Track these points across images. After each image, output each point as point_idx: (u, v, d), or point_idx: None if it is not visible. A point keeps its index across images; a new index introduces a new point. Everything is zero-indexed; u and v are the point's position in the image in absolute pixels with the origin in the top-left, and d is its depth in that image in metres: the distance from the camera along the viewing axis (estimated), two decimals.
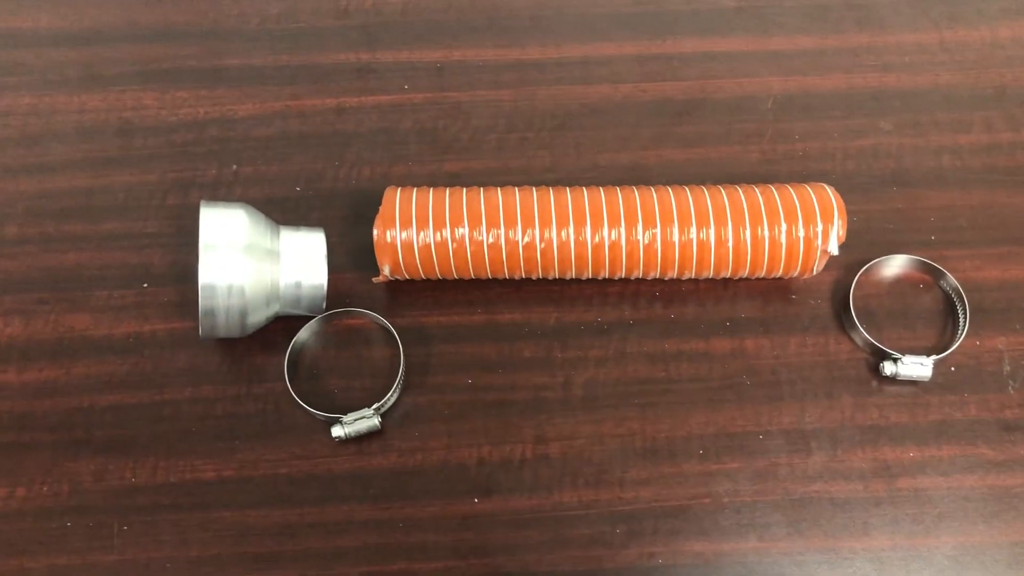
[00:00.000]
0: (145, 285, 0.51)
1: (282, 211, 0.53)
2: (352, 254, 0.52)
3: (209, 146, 0.55)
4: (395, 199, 0.47)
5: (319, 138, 0.56)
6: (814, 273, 0.48)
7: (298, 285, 0.47)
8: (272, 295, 0.46)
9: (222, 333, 0.46)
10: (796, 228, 0.46)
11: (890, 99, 0.57)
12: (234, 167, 0.55)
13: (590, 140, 0.56)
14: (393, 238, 0.46)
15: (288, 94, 0.57)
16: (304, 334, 0.50)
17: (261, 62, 0.58)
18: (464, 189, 0.48)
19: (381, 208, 0.47)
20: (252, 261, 0.45)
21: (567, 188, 0.48)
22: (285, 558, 0.45)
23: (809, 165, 0.55)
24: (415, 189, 0.48)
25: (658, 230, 0.46)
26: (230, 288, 0.44)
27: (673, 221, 0.46)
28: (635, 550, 0.46)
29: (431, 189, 0.48)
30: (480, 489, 0.47)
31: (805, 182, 0.53)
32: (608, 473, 0.47)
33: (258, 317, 0.46)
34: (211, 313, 0.45)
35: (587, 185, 0.53)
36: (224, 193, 0.54)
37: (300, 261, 0.47)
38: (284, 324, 0.49)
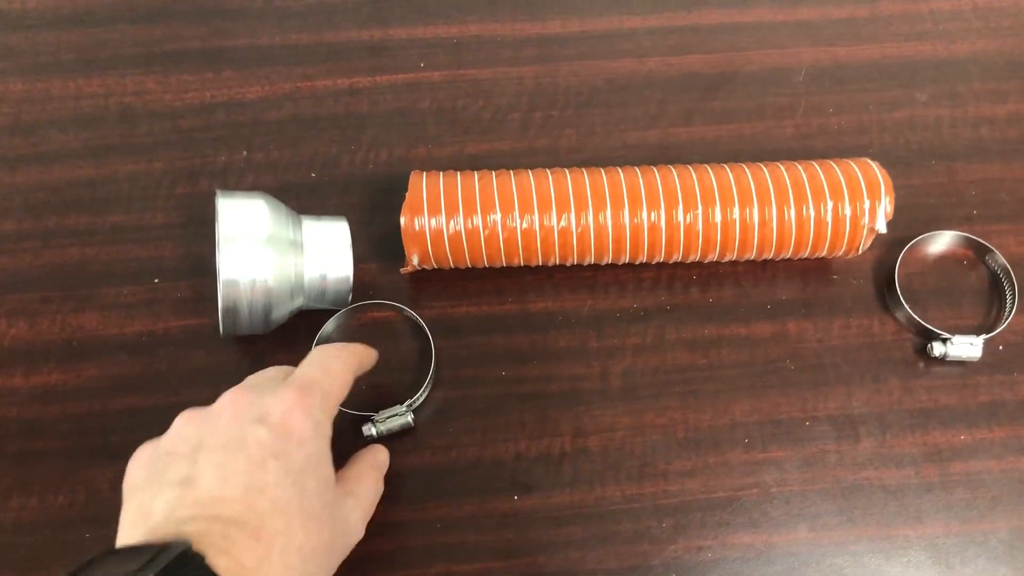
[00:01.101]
0: (156, 280, 0.49)
1: (298, 199, 0.50)
2: (374, 243, 0.50)
3: (217, 131, 0.52)
4: (421, 184, 0.45)
5: (333, 121, 0.53)
6: (859, 252, 0.46)
7: (323, 278, 0.45)
8: (296, 289, 0.44)
9: (244, 330, 0.44)
10: (842, 206, 0.44)
11: (925, 69, 0.55)
12: (244, 153, 0.52)
13: (617, 118, 0.53)
14: (422, 226, 0.44)
15: (298, 75, 0.54)
16: (329, 328, 0.47)
17: (268, 42, 0.55)
18: (493, 172, 0.46)
19: (408, 194, 0.44)
20: (275, 254, 0.42)
21: (601, 169, 0.46)
22: None
23: (845, 139, 0.53)
24: (441, 173, 0.46)
25: (699, 211, 0.44)
26: (253, 283, 0.42)
27: (715, 201, 0.44)
28: (682, 544, 0.44)
29: (458, 173, 0.46)
30: (519, 486, 0.45)
31: (845, 157, 0.51)
32: (651, 465, 0.45)
33: (281, 312, 0.44)
34: (233, 310, 0.42)
35: (617, 165, 0.51)
36: (235, 181, 0.51)
37: (324, 252, 0.45)
38: (307, 319, 0.47)
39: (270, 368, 0.41)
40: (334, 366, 0.40)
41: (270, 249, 0.42)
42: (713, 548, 0.44)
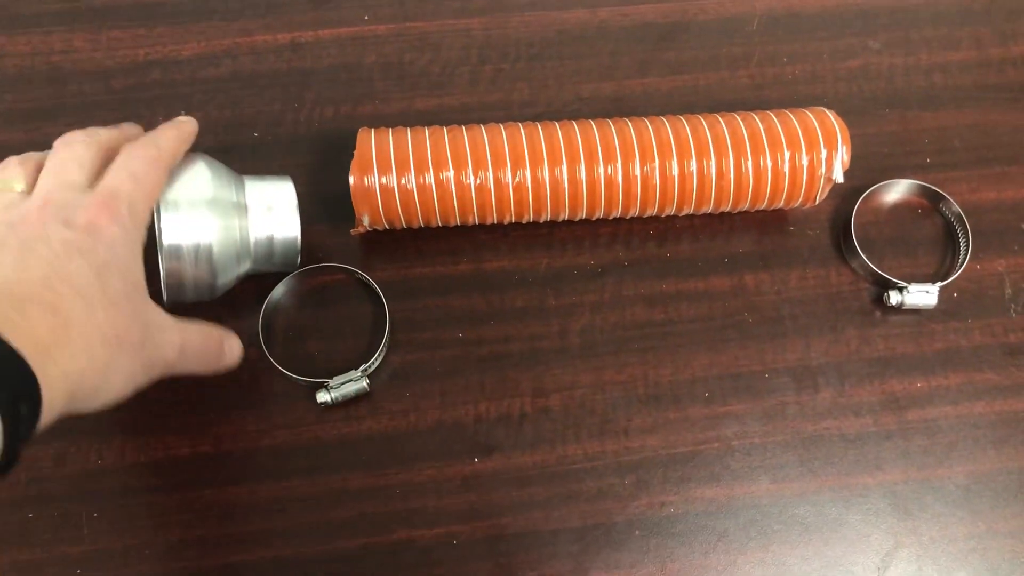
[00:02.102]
0: None
1: (240, 160, 0.48)
2: (322, 204, 0.48)
3: (153, 91, 0.50)
4: (370, 141, 0.43)
5: (274, 78, 0.51)
6: (816, 203, 0.46)
7: (270, 240, 0.43)
8: (243, 252, 0.42)
9: (190, 298, 0.42)
10: (799, 156, 0.44)
11: (878, 16, 0.55)
12: (183, 113, 0.49)
13: (570, 70, 0.52)
14: (372, 184, 0.42)
15: (236, 30, 0.52)
16: (277, 293, 0.46)
17: None
18: (445, 128, 0.44)
19: (356, 152, 0.43)
20: (218, 217, 0.41)
21: (556, 123, 0.45)
22: (275, 535, 0.42)
23: (799, 89, 0.52)
24: (391, 130, 0.44)
25: (656, 164, 0.43)
26: (197, 248, 0.40)
27: (671, 154, 0.43)
28: (645, 500, 0.44)
29: (408, 129, 0.44)
30: (480, 448, 0.44)
31: (798, 106, 0.50)
32: (612, 423, 0.45)
33: (228, 278, 0.42)
34: (177, 277, 0.40)
35: (570, 118, 0.50)
36: None
37: (270, 213, 0.43)
38: (255, 284, 0.45)
39: (76, 142, 0.38)
40: (140, 169, 0.38)
41: (213, 212, 0.40)
42: (676, 503, 0.44)
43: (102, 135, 0.39)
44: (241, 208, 0.42)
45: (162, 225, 0.39)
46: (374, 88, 0.51)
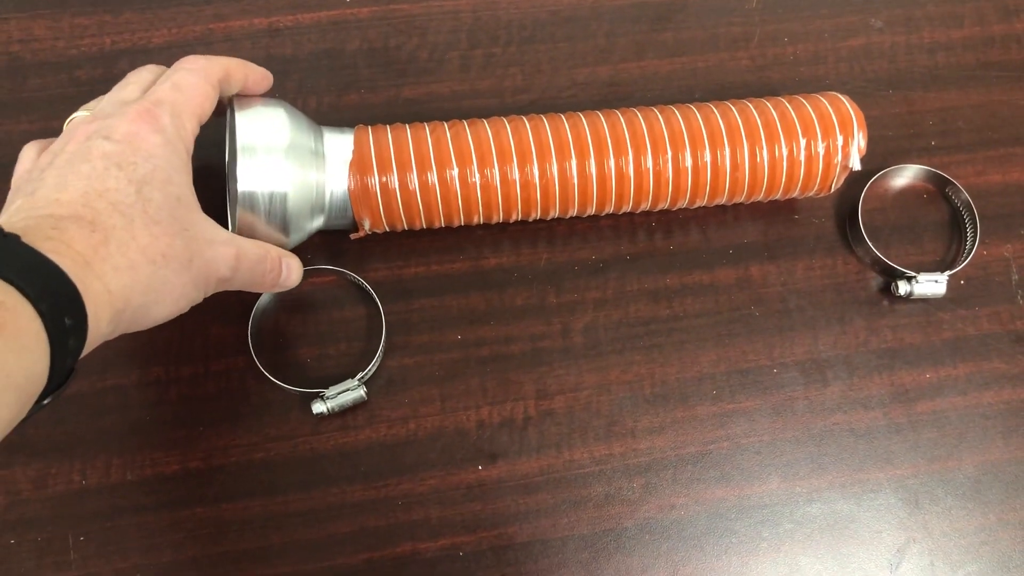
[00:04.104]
0: None
1: (218, 153, 0.45)
2: None
3: None
4: (368, 140, 0.41)
5: None
6: (831, 191, 0.45)
7: (345, 194, 0.41)
8: (316, 206, 0.40)
9: None
10: (815, 144, 0.42)
11: None
12: None
13: (564, 54, 0.50)
14: (373, 186, 0.40)
15: (210, 15, 0.49)
16: (266, 299, 0.44)
17: None
18: (445, 124, 0.42)
19: (354, 152, 0.40)
20: (295, 166, 0.39)
21: (562, 115, 0.42)
22: (273, 553, 0.40)
23: (801, 70, 0.50)
24: (388, 127, 0.41)
25: (669, 156, 0.41)
26: (272, 197, 0.38)
27: (684, 145, 0.41)
28: (654, 503, 0.43)
29: (407, 126, 0.42)
30: (483, 455, 0.43)
31: (800, 88, 0.49)
32: (619, 424, 0.44)
33: (301, 230, 0.40)
34: (250, 225, 0.38)
35: (566, 105, 0.48)
36: None
37: (347, 167, 0.40)
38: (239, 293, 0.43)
39: (130, 83, 0.38)
40: (187, 80, 0.37)
41: (290, 160, 0.38)
42: (686, 505, 0.43)
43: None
44: (320, 158, 0.40)
45: (237, 171, 0.37)
46: (359, 76, 0.48)
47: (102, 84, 0.46)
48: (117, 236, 0.32)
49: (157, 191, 0.34)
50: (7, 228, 0.30)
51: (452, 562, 0.41)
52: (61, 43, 0.47)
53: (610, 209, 0.43)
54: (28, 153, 0.37)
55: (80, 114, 0.37)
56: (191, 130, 0.37)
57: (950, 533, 0.43)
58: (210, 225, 0.36)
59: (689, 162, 0.41)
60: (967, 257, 0.46)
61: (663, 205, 0.44)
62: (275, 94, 0.47)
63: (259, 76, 0.40)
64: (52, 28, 0.48)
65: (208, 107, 0.38)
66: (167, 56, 0.47)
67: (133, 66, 0.47)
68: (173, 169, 0.35)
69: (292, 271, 0.40)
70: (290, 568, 0.40)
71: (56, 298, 0.28)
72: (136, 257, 0.32)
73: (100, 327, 0.31)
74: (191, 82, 0.37)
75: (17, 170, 0.37)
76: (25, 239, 0.29)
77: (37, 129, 0.45)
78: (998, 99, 0.51)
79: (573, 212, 0.43)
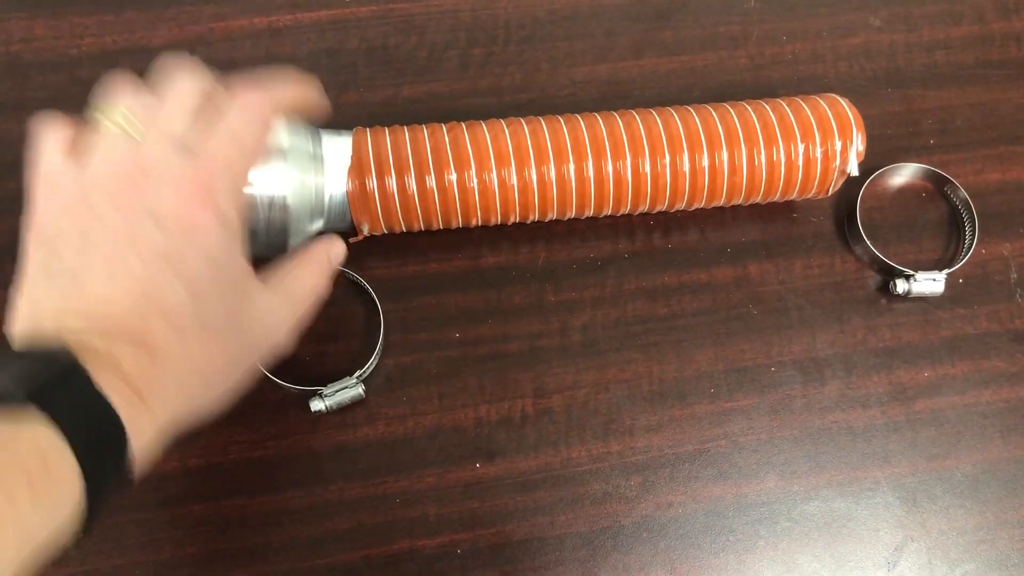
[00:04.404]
0: None
1: None
2: None
3: None
4: (367, 143, 0.41)
5: (252, 65, 0.48)
6: (828, 194, 0.45)
7: (344, 197, 0.41)
8: (316, 209, 0.40)
9: (262, 253, 0.39)
10: (813, 148, 0.42)
11: None
12: None
13: (563, 53, 0.50)
14: (372, 190, 0.40)
15: (210, 15, 0.49)
16: None
17: None
18: (444, 126, 0.42)
19: (353, 155, 0.40)
20: (294, 169, 0.38)
21: (560, 118, 0.42)
22: (272, 550, 0.41)
23: (800, 69, 0.50)
24: (387, 129, 0.42)
25: (667, 159, 0.41)
26: (271, 201, 0.38)
27: (682, 148, 0.41)
28: (652, 501, 0.43)
29: (405, 128, 0.42)
30: (481, 452, 0.43)
31: (799, 87, 0.49)
32: (616, 422, 0.44)
33: (301, 235, 0.40)
34: (250, 230, 0.38)
35: (565, 104, 0.48)
36: None
37: (346, 170, 0.40)
38: None
39: (177, 106, 0.33)
40: (247, 129, 0.33)
41: (289, 164, 0.38)
42: (683, 503, 0.43)
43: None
44: (318, 162, 0.40)
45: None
46: (358, 75, 0.48)
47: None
48: (169, 354, 0.30)
49: (210, 285, 0.31)
50: (57, 324, 0.29)
51: (450, 559, 0.41)
52: (62, 42, 0.48)
53: (608, 211, 0.43)
54: (52, 156, 0.33)
55: (117, 120, 0.32)
56: (243, 196, 0.34)
57: (948, 531, 0.43)
58: (265, 294, 0.34)
59: (687, 166, 0.41)
60: (965, 256, 0.46)
61: (661, 208, 0.44)
62: None
63: (315, 102, 0.38)
64: (53, 27, 0.48)
65: (259, 159, 0.35)
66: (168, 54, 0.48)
67: (135, 64, 0.47)
68: (228, 251, 0.32)
69: (338, 256, 0.38)
70: (289, 565, 0.40)
71: (102, 446, 0.27)
72: (186, 374, 0.31)
73: (143, 457, 0.29)
74: (251, 132, 0.33)
75: (39, 171, 0.33)
76: (83, 360, 0.27)
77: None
78: (997, 97, 0.51)
79: (571, 215, 0.43)
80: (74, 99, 0.46)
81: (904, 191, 0.49)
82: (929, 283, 0.45)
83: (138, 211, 0.30)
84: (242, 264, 0.33)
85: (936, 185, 0.48)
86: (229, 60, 0.48)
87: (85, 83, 0.47)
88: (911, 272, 0.45)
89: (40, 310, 0.30)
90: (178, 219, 0.31)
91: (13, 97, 0.46)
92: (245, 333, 0.33)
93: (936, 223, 0.48)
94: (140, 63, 0.47)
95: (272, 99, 0.34)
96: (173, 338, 0.30)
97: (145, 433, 0.29)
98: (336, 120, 0.43)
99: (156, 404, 0.29)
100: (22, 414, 0.26)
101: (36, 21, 0.48)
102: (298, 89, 0.36)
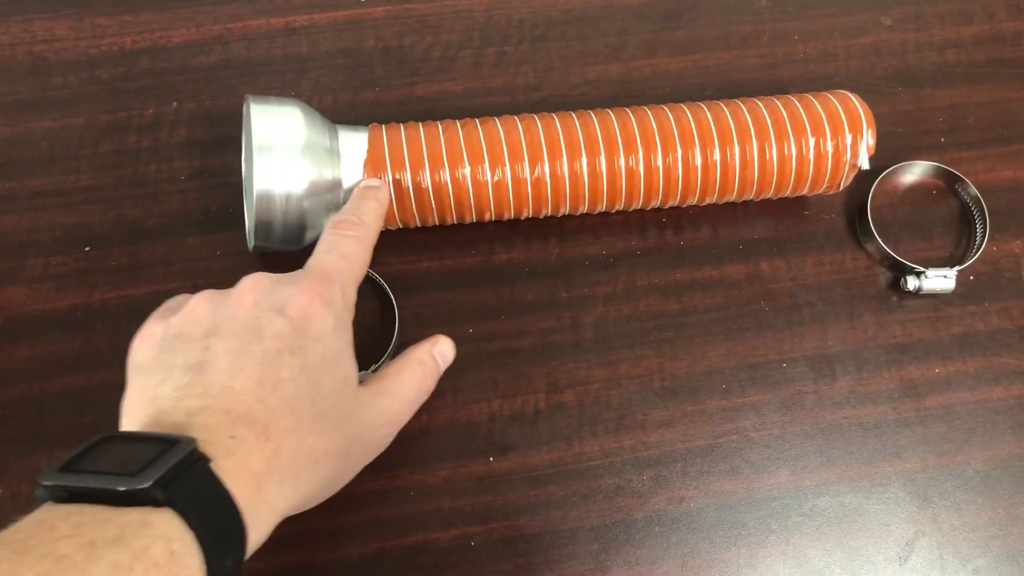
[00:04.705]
0: (87, 248, 0.45)
1: (236, 152, 0.46)
2: None
3: (142, 81, 0.48)
4: (382, 138, 0.41)
5: (269, 65, 0.49)
6: (839, 189, 0.45)
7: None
8: (332, 203, 0.41)
9: (278, 247, 0.41)
10: (824, 142, 0.42)
11: None
12: (174, 104, 0.47)
13: (576, 52, 0.50)
14: (387, 184, 0.41)
15: (227, 15, 0.50)
16: None
17: None
18: (458, 122, 0.42)
19: (368, 151, 0.41)
20: (311, 164, 0.39)
21: (572, 113, 0.43)
22: (285, 544, 0.41)
23: (811, 68, 0.51)
24: (402, 125, 0.42)
25: (679, 154, 0.42)
26: (288, 195, 0.39)
27: (694, 143, 0.42)
28: (664, 495, 0.43)
29: (420, 124, 0.42)
30: (494, 447, 0.43)
31: (811, 86, 0.49)
32: (629, 417, 0.44)
33: (317, 228, 0.41)
34: (267, 223, 0.39)
35: (578, 102, 0.49)
36: (167, 134, 0.47)
37: (361, 164, 0.41)
38: None
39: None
40: (350, 248, 0.37)
41: (306, 158, 0.39)
42: (695, 497, 0.43)
43: None
44: (335, 156, 0.41)
45: (254, 170, 0.38)
46: (374, 74, 0.49)
47: (122, 82, 0.48)
48: (288, 443, 0.31)
49: (326, 376, 0.33)
50: (184, 415, 0.29)
51: (463, 552, 0.41)
52: (83, 42, 0.48)
53: (620, 206, 0.44)
54: (154, 328, 0.34)
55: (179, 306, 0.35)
56: (354, 298, 0.37)
57: (959, 527, 0.43)
58: (371, 397, 0.36)
59: (699, 160, 0.42)
60: (976, 253, 0.47)
61: (673, 202, 0.44)
62: (291, 93, 0.48)
63: (387, 203, 0.41)
64: (74, 28, 0.49)
65: (364, 273, 0.38)
66: (186, 54, 0.48)
67: (153, 64, 0.48)
68: (340, 350, 0.34)
69: (447, 359, 0.41)
70: (302, 557, 0.41)
71: (226, 543, 0.27)
72: (301, 463, 0.32)
73: (255, 546, 0.30)
74: (356, 250, 0.37)
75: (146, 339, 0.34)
76: (205, 447, 0.28)
77: (59, 126, 0.47)
78: (1008, 96, 0.51)
79: (584, 209, 0.44)
80: (94, 97, 0.48)
81: (915, 188, 0.49)
82: (940, 280, 0.46)
83: (265, 306, 0.33)
84: (351, 356, 0.35)
85: (947, 182, 0.49)
86: (246, 59, 0.49)
87: (105, 82, 0.48)
88: (922, 269, 0.45)
89: (158, 397, 0.31)
90: (301, 309, 0.33)
91: (36, 96, 0.47)
92: (352, 427, 0.34)
93: (947, 220, 0.48)
94: (159, 62, 0.49)
95: (369, 227, 0.39)
96: (292, 424, 0.31)
97: (263, 526, 0.30)
98: (352, 119, 0.44)
99: (273, 493, 0.30)
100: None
101: (58, 22, 0.49)
102: (378, 203, 0.40)
